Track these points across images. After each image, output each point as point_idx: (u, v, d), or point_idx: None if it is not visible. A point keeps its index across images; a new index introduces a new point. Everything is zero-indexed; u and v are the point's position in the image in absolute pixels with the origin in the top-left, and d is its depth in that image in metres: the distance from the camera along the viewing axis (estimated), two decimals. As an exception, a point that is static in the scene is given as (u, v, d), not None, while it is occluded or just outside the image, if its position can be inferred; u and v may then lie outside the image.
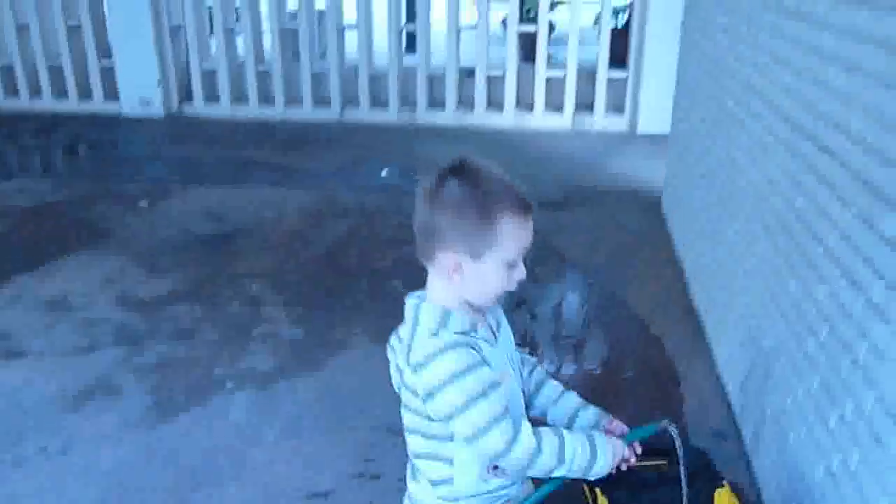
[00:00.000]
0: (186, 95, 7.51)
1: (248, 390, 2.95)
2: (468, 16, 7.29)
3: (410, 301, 1.37)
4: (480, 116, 7.20)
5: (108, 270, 4.00)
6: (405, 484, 1.56)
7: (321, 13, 7.49)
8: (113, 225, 4.68)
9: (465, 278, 1.30)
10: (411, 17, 7.13)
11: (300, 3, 7.09)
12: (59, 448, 2.60)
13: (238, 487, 2.42)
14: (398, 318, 1.42)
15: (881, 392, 1.58)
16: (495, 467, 1.39)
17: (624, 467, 1.44)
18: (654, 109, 6.29)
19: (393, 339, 1.44)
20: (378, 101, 7.34)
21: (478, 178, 1.26)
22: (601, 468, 1.38)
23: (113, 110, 7.37)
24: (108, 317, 3.52)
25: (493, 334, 1.40)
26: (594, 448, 1.36)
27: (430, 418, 1.34)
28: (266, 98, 7.45)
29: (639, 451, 1.47)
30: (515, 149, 6.54)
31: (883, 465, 1.55)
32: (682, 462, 1.56)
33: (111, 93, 7.43)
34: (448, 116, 7.20)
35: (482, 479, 1.41)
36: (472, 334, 1.33)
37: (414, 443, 1.44)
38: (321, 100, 7.37)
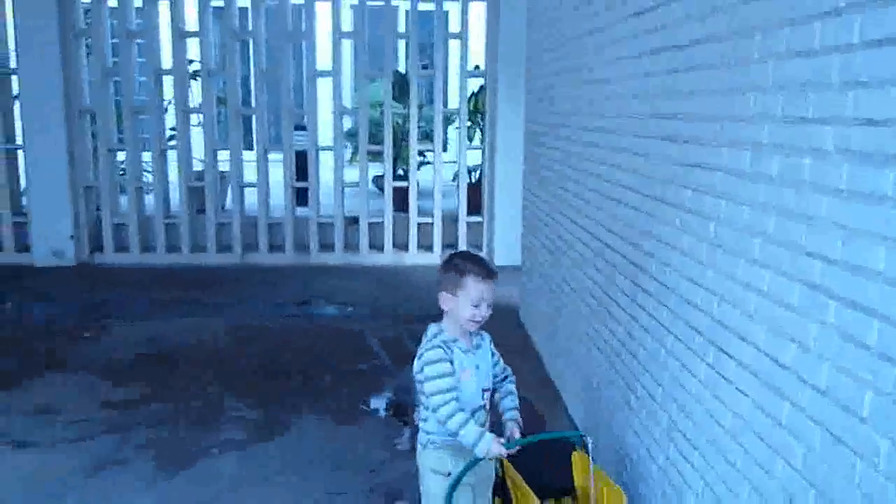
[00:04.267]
0: (97, 246, 8.30)
1: (230, 453, 3.88)
2: (349, 175, 8.76)
3: (430, 325, 2.54)
4: (364, 256, 8.54)
5: (78, 385, 4.78)
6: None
7: (223, 173, 8.71)
8: (68, 352, 5.42)
9: (451, 308, 2.46)
10: (302, 176, 8.49)
11: (206, 165, 8.29)
12: (98, 500, 3.41)
13: (249, 507, 3.36)
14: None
15: (640, 320, 2.93)
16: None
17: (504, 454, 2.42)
18: (506, 245, 7.91)
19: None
20: (275, 246, 8.50)
21: (460, 257, 2.51)
22: (478, 452, 2.36)
23: (25, 261, 8.00)
24: (94, 416, 4.31)
25: (472, 349, 2.52)
26: (478, 441, 2.35)
27: (421, 383, 2.49)
28: (172, 247, 8.39)
29: (513, 452, 2.44)
30: (397, 281, 7.88)
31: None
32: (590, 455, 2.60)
33: (20, 246, 8.10)
34: (337, 257, 8.48)
35: (439, 425, 2.51)
36: (452, 343, 2.49)
37: (421, 400, 2.55)
38: (224, 247, 8.43)
